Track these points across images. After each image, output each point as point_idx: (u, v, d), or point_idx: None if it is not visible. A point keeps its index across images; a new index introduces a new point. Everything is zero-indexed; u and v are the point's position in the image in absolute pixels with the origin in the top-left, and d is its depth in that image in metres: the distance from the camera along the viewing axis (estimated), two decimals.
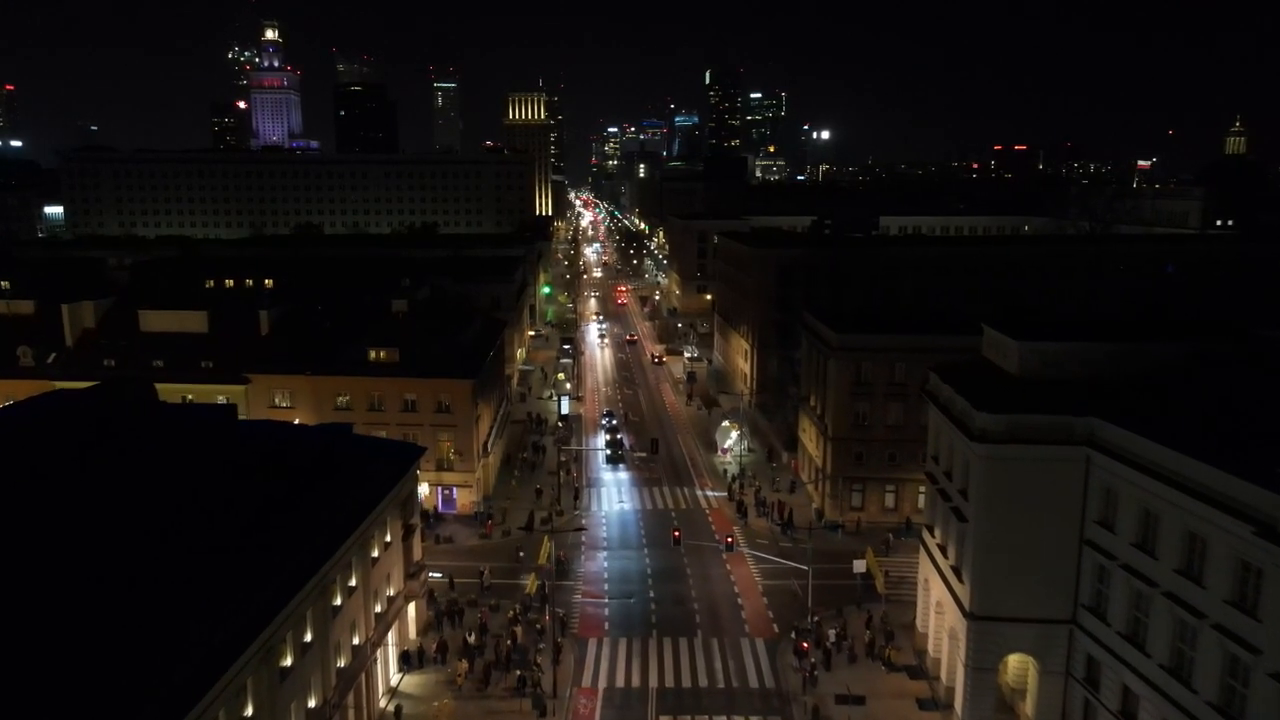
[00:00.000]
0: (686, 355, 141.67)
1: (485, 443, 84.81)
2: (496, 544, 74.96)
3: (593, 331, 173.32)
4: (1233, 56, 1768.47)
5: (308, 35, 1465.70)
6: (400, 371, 78.60)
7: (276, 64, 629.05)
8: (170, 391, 79.66)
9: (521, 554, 71.05)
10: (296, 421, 77.85)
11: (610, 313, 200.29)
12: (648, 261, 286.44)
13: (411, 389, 78.59)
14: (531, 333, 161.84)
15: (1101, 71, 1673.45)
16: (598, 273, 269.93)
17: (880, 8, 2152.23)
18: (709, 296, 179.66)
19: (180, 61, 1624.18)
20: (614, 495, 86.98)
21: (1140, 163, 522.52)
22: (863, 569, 61.92)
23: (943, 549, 51.82)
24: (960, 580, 48.04)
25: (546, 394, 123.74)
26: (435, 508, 79.29)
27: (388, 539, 53.11)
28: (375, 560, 50.75)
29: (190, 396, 79.87)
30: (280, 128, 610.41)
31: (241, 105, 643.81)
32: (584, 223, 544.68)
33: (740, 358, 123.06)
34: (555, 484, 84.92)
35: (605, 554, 73.25)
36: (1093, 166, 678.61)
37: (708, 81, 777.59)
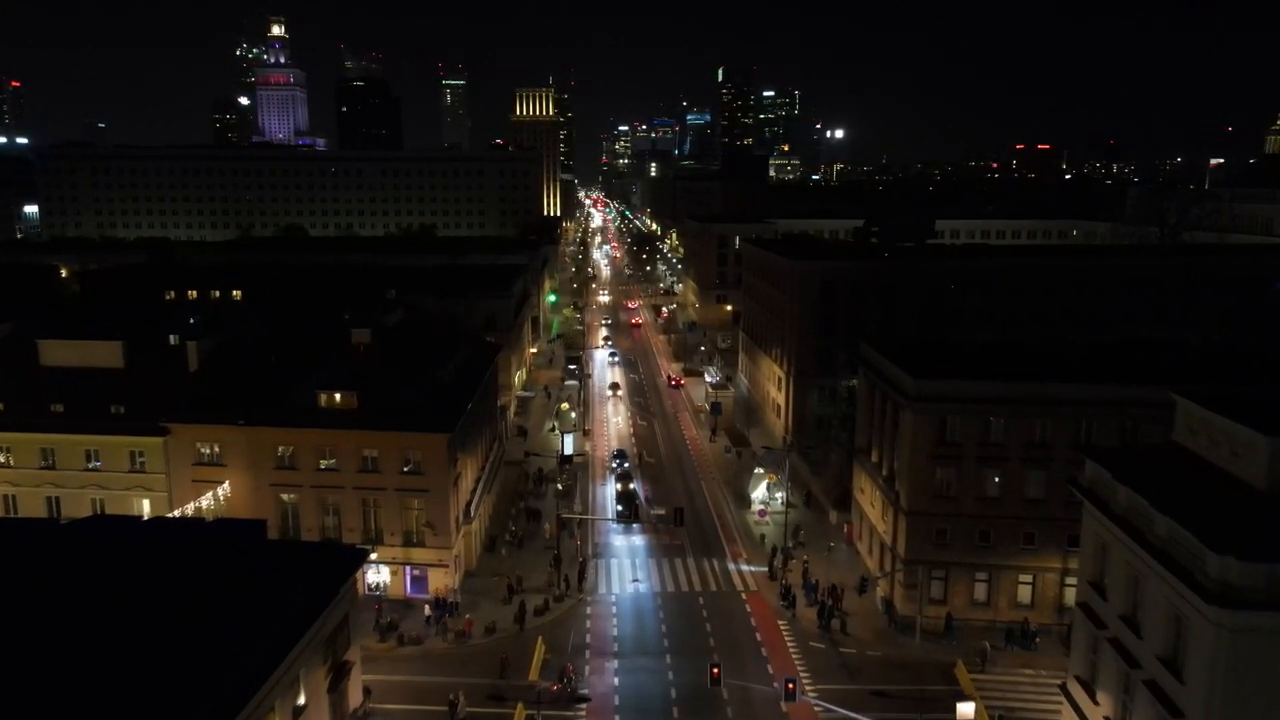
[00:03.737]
0: (708, 379, 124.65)
1: (469, 505, 68.40)
2: (478, 646, 58.40)
3: (601, 357, 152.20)
4: (1250, 55, 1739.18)
5: (315, 33, 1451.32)
6: (359, 421, 62.03)
7: (283, 60, 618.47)
8: (72, 444, 64.09)
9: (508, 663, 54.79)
10: (225, 485, 61.82)
11: (622, 327, 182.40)
12: (661, 266, 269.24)
13: (372, 443, 62.06)
14: (534, 350, 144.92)
15: (1108, 71, 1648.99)
16: (604, 297, 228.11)
17: (879, 6, 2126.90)
18: (730, 308, 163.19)
19: (190, 58, 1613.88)
20: (627, 570, 70.30)
21: (1213, 160, 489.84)
22: (970, 715, 45.35)
23: None
24: None
25: (548, 426, 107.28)
26: (404, 595, 62.99)
27: (301, 701, 36.70)
28: None
29: (95, 450, 63.90)
30: (286, 125, 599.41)
31: (244, 101, 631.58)
32: (594, 224, 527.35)
33: (772, 385, 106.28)
34: (555, 561, 68.25)
35: (616, 663, 56.58)
36: (1115, 166, 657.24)
37: (720, 79, 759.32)
